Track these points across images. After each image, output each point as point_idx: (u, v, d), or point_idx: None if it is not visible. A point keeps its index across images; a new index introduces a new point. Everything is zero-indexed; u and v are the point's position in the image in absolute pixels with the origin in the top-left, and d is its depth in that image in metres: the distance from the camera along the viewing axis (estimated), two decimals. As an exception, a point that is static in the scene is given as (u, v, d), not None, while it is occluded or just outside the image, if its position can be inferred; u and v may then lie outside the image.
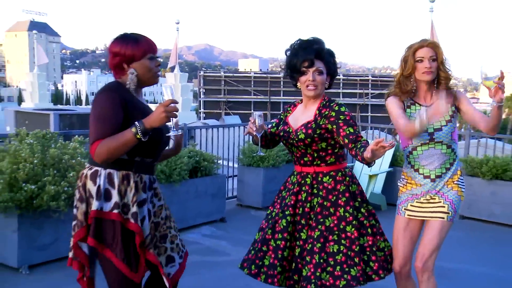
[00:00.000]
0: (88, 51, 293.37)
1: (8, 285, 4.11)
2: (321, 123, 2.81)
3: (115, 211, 2.38)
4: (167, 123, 2.33)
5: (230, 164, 7.52)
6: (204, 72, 42.75)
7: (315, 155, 2.87)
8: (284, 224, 2.83)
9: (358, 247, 2.77)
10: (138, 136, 2.26)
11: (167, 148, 2.72)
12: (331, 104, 2.83)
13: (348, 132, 2.72)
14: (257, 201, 6.90)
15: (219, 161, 6.50)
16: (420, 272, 2.95)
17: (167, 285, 2.54)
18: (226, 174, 6.92)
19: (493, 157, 6.62)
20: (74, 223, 2.47)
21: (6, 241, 4.34)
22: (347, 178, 2.88)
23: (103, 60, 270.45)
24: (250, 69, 53.16)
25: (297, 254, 2.82)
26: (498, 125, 2.83)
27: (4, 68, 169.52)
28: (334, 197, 2.82)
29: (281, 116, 3.12)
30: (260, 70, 73.98)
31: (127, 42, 2.44)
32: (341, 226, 2.78)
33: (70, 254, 2.50)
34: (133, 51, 2.42)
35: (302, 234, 2.82)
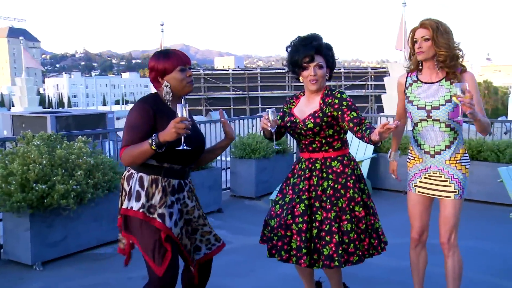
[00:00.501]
0: (67, 55, 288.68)
1: (24, 282, 4.12)
2: (327, 111, 2.91)
3: (141, 210, 2.53)
4: (181, 137, 2.39)
5: (222, 157, 7.57)
6: (184, 71, 42.42)
7: (323, 141, 2.97)
8: (303, 208, 2.91)
9: (364, 225, 2.91)
10: (153, 148, 2.38)
11: (219, 140, 2.91)
12: (333, 93, 2.95)
13: (352, 116, 2.83)
14: (250, 191, 6.97)
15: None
16: (446, 249, 3.09)
17: (192, 269, 2.75)
18: (221, 167, 6.97)
19: (468, 140, 6.80)
20: None
21: (19, 239, 4.35)
22: (352, 162, 3.02)
23: (82, 63, 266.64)
24: (228, 66, 53.08)
25: (314, 235, 2.90)
26: (485, 129, 2.87)
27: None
28: (344, 180, 2.93)
29: (285, 109, 3.20)
30: (238, 67, 73.84)
31: (159, 58, 2.58)
32: (351, 206, 2.90)
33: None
34: (164, 65, 2.55)
35: (317, 216, 2.91)
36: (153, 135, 2.38)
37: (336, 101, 2.90)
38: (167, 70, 2.55)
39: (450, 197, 3.01)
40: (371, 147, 7.36)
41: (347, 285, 3.47)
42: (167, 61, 2.55)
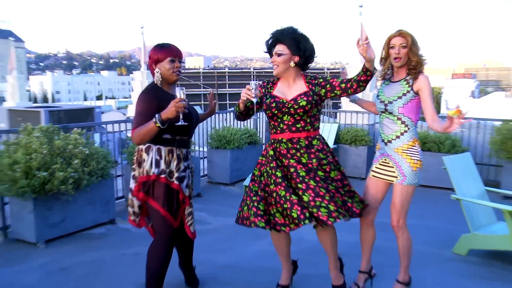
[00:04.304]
0: (50, 54, 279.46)
1: (31, 257, 4.10)
2: (316, 90, 2.90)
3: (162, 175, 2.81)
4: (179, 114, 2.63)
5: (200, 148, 7.62)
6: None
7: (308, 120, 2.90)
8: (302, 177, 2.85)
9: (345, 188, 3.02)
10: (157, 125, 2.59)
11: (203, 112, 3.37)
12: (317, 76, 2.98)
13: (340, 80, 2.90)
14: (225, 178, 7.05)
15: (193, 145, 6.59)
16: (396, 230, 3.16)
17: (190, 236, 3.10)
18: (199, 156, 7.02)
19: (413, 133, 7.03)
20: (131, 182, 2.91)
21: (24, 221, 4.32)
22: (323, 141, 3.03)
23: (64, 62, 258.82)
24: (199, 66, 52.63)
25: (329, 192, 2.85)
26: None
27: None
28: (325, 156, 2.95)
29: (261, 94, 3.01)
30: (208, 66, 73.33)
31: (156, 48, 2.84)
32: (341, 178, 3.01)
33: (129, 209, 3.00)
34: (157, 55, 2.82)
35: (331, 186, 2.88)
36: (156, 115, 2.60)
37: (321, 80, 2.93)
38: (159, 59, 2.80)
39: (392, 181, 3.09)
40: (332, 138, 7.52)
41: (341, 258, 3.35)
42: (161, 52, 2.79)
